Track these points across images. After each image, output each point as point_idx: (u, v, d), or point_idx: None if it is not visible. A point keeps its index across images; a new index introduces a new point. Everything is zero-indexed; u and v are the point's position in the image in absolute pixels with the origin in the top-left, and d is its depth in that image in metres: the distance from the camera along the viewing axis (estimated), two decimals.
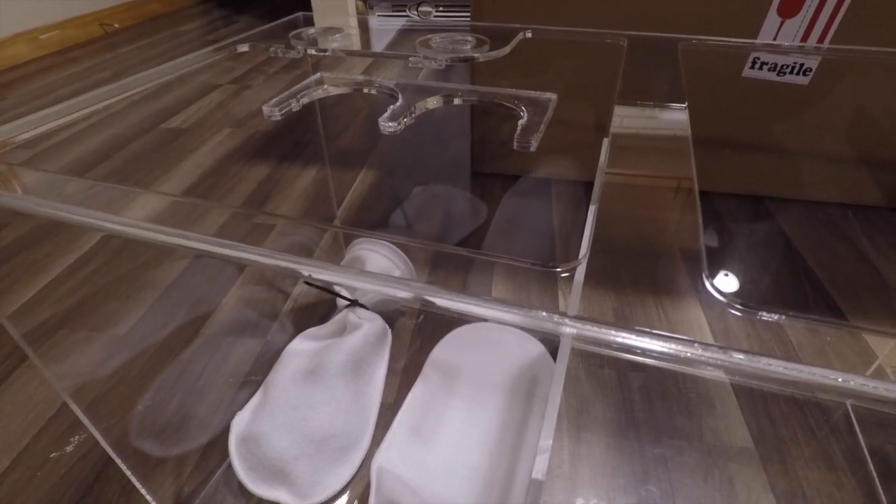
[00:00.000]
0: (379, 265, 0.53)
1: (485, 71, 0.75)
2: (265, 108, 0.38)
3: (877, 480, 0.42)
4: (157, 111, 1.15)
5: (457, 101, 0.48)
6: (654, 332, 0.20)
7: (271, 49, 0.38)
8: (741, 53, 0.69)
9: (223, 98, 1.19)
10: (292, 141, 1.00)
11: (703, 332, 0.57)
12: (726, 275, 0.66)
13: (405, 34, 0.56)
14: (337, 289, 0.55)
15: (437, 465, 0.41)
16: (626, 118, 0.32)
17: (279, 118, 0.36)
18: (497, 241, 0.70)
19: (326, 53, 0.38)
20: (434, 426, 0.44)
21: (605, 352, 0.61)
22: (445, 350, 0.52)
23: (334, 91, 0.48)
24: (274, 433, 0.42)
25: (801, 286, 0.63)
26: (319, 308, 0.60)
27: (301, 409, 0.43)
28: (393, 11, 1.69)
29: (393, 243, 0.52)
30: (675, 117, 0.31)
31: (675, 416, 0.48)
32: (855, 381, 0.18)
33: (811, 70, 0.69)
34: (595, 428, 0.47)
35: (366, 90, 0.48)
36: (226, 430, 0.44)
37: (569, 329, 0.20)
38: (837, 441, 0.46)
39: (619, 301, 0.60)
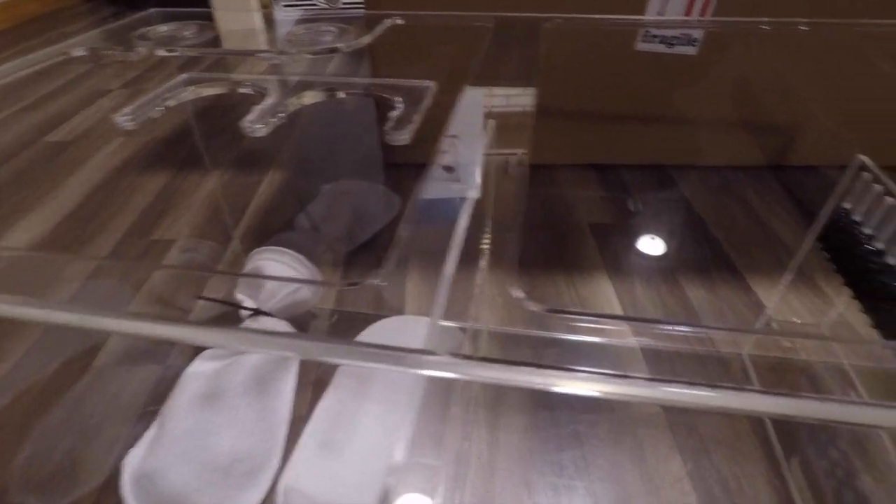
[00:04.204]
0: (281, 275, 0.50)
1: (384, 60, 0.73)
2: (117, 118, 0.34)
3: (769, 425, 0.45)
4: (38, 123, 1.05)
5: (340, 95, 0.46)
6: (528, 363, 0.19)
7: (107, 52, 0.34)
8: (629, 30, 0.70)
9: (113, 105, 1.10)
10: (192, 146, 0.94)
11: (612, 306, 0.59)
12: (652, 238, 0.68)
13: (300, 25, 0.53)
14: (238, 297, 0.52)
15: (350, 476, 0.39)
16: (487, 97, 0.32)
17: (132, 128, 0.33)
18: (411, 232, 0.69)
19: (175, 54, 0.35)
20: (346, 435, 0.42)
21: (521, 332, 0.61)
22: None
23: (206, 92, 0.44)
24: (171, 467, 0.39)
25: (702, 249, 0.66)
26: (224, 323, 0.56)
27: (199, 436, 0.40)
28: (299, 1, 1.62)
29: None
30: (525, 95, 0.31)
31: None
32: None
33: (698, 40, 0.72)
34: (511, 413, 0.47)
35: (241, 90, 0.45)
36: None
37: (428, 371, 0.18)
38: None
39: (531, 283, 0.61)
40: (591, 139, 0.82)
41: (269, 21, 0.62)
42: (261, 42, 0.57)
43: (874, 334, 0.33)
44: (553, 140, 0.81)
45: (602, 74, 0.75)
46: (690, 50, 0.73)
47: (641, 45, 0.73)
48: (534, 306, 0.21)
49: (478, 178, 0.36)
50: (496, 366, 0.18)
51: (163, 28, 0.39)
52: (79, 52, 0.35)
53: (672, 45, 0.73)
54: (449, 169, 0.40)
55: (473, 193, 0.35)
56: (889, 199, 0.29)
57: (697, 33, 0.71)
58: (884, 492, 0.40)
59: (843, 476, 0.41)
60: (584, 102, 0.78)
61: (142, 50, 0.34)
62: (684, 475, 0.42)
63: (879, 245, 0.30)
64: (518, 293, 0.20)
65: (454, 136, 0.38)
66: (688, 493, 0.41)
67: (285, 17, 0.71)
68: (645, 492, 0.41)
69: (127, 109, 0.33)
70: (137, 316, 0.21)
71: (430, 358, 0.18)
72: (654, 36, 0.73)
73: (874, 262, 0.30)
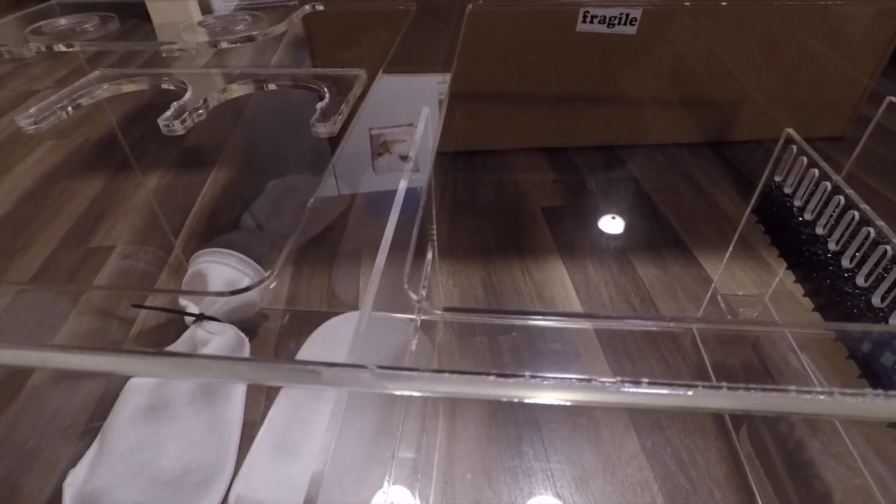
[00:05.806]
0: (224, 278, 0.49)
1: (323, 49, 0.71)
2: (19, 120, 0.32)
3: None
4: None
5: (270, 87, 0.44)
6: (470, 371, 0.18)
7: None
8: (571, 12, 0.70)
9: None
10: (129, 146, 0.89)
11: (566, 289, 0.59)
12: (603, 218, 0.69)
13: (211, 16, 0.51)
14: (182, 303, 0.50)
15: (305, 480, 0.38)
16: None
17: (35, 131, 0.30)
18: (361, 227, 0.67)
19: (74, 49, 0.33)
20: (301, 437, 0.41)
21: (477, 320, 0.60)
22: (312, 350, 0.50)
23: (125, 90, 0.42)
24: (115, 485, 0.37)
25: (651, 227, 0.67)
26: (171, 329, 0.54)
27: (145, 450, 0.38)
28: None
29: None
30: (440, 81, 0.30)
31: (544, 373, 0.49)
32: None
33: (637, 20, 0.72)
34: (469, 402, 0.47)
35: (163, 86, 0.43)
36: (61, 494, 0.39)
37: (352, 388, 0.17)
38: (687, 365, 0.50)
39: (486, 270, 0.60)
40: (539, 123, 0.82)
41: (208, 11, 0.60)
42: (198, 35, 0.54)
43: (807, 303, 0.34)
44: (502, 125, 0.81)
45: (546, 57, 0.75)
46: (630, 30, 0.74)
47: (582, 27, 0.74)
48: (428, 307, 0.20)
49: (429, 167, 0.35)
50: (424, 375, 0.17)
51: (61, 21, 0.36)
52: None
53: (612, 25, 0.74)
54: (405, 158, 0.39)
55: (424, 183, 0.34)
56: (814, 171, 0.30)
57: (636, 12, 0.72)
58: (830, 459, 0.42)
59: (790, 445, 0.42)
60: (531, 86, 0.78)
61: (33, 46, 0.32)
62: (640, 451, 0.43)
63: (808, 216, 0.31)
64: (413, 295, 0.20)
65: (411, 125, 0.37)
66: (643, 468, 0.42)
67: (224, 6, 0.68)
68: (602, 470, 0.42)
69: (31, 111, 0.31)
70: (58, 348, 0.19)
71: (360, 374, 0.17)
72: (594, 16, 0.73)
73: (804, 233, 0.31)
